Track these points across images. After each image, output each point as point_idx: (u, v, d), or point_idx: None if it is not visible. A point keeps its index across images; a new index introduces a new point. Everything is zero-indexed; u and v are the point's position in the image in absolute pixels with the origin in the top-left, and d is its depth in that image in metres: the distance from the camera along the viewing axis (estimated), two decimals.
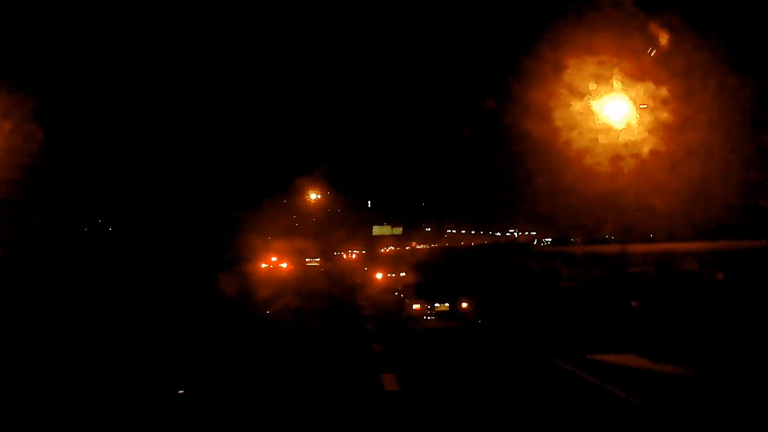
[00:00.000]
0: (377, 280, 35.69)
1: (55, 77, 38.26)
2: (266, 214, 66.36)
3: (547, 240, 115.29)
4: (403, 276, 34.23)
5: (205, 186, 63.95)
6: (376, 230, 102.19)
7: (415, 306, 22.52)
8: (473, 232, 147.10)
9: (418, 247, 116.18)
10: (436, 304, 22.45)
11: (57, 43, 40.56)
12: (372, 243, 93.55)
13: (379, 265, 40.64)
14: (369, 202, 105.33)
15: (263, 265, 43.27)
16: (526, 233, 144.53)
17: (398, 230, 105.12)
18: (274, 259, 44.31)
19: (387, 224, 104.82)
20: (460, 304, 22.39)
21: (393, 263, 43.65)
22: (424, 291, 23.63)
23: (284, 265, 44.06)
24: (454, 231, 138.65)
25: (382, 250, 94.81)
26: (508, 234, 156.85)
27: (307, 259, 51.59)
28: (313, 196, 72.63)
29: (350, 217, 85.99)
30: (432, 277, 30.36)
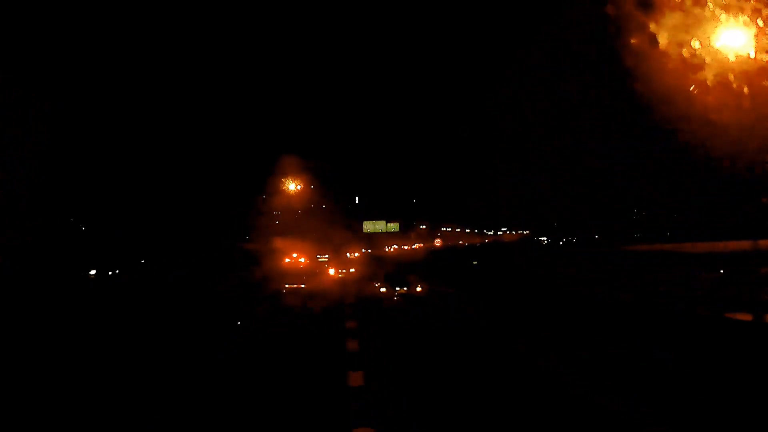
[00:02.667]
0: (331, 275, 45.73)
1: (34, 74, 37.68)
2: (262, 213, 66.76)
3: (541, 239, 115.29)
4: (353, 272, 45.24)
5: (194, 184, 63.47)
6: (368, 226, 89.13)
7: (382, 289, 31.17)
8: (468, 230, 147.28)
9: (436, 244, 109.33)
10: (397, 288, 30.67)
11: (30, 39, 39.99)
12: (374, 242, 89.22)
13: (339, 264, 51.75)
14: (357, 198, 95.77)
15: (286, 260, 54.72)
16: (518, 232, 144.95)
17: (395, 226, 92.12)
18: (294, 255, 55.35)
19: (381, 220, 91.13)
20: (415, 288, 30.48)
21: (361, 263, 49.70)
22: (391, 279, 32.32)
23: (302, 260, 55.48)
24: (448, 230, 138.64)
25: (387, 249, 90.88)
26: (499, 233, 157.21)
27: (318, 256, 60.30)
28: (292, 186, 71.31)
29: (338, 213, 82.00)
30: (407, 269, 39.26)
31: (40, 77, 36.42)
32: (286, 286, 36.96)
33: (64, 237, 41.74)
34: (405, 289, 30.56)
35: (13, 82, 33.10)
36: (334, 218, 77.68)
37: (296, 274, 44.09)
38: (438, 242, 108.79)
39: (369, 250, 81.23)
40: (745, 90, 9.78)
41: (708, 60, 10.41)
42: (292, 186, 71.36)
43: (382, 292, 30.53)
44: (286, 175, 69.83)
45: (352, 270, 46.23)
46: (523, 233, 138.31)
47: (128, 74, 54.15)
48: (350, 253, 74.71)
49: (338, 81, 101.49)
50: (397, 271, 36.01)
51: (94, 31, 50.70)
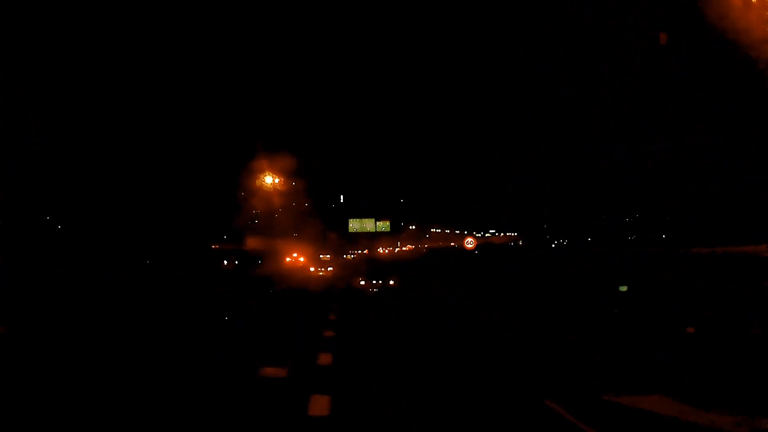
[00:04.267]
0: (311, 273, 50.63)
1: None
2: (242, 212, 66.77)
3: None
4: (330, 270, 50.70)
5: (192, 184, 63.25)
6: (354, 225, 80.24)
7: (362, 282, 36.35)
8: (457, 231, 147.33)
9: (468, 245, 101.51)
10: (373, 281, 35.86)
11: (30, 39, 39.85)
12: (359, 243, 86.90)
13: (317, 263, 56.95)
14: (342, 196, 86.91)
15: (287, 259, 59.45)
16: (506, 234, 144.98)
17: (385, 225, 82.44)
18: (294, 255, 60.86)
19: (369, 218, 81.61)
20: (389, 282, 35.52)
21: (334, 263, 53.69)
22: (368, 273, 37.76)
23: (302, 259, 61.09)
24: (438, 230, 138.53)
25: (380, 250, 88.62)
26: (487, 235, 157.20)
27: (320, 255, 64.94)
28: (269, 179, 69.37)
29: (322, 212, 79.08)
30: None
31: (40, 77, 36.58)
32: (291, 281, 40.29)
33: (63, 237, 41.81)
34: (380, 282, 35.59)
35: (13, 82, 33.29)
36: (318, 216, 76.14)
37: (297, 274, 46.43)
38: (471, 242, 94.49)
39: (366, 251, 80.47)
40: None
41: None
42: (269, 180, 69.71)
43: (362, 285, 35.85)
44: (267, 172, 68.63)
45: (329, 269, 51.24)
46: (513, 235, 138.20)
47: (128, 75, 54.13)
48: (347, 255, 74.67)
49: (331, 78, 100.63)
50: (384, 270, 40.94)
51: (92, 31, 50.62)
